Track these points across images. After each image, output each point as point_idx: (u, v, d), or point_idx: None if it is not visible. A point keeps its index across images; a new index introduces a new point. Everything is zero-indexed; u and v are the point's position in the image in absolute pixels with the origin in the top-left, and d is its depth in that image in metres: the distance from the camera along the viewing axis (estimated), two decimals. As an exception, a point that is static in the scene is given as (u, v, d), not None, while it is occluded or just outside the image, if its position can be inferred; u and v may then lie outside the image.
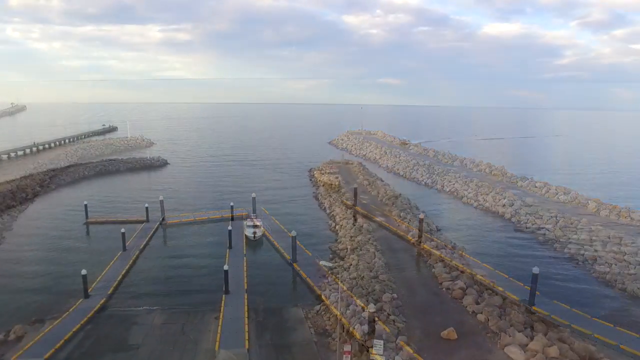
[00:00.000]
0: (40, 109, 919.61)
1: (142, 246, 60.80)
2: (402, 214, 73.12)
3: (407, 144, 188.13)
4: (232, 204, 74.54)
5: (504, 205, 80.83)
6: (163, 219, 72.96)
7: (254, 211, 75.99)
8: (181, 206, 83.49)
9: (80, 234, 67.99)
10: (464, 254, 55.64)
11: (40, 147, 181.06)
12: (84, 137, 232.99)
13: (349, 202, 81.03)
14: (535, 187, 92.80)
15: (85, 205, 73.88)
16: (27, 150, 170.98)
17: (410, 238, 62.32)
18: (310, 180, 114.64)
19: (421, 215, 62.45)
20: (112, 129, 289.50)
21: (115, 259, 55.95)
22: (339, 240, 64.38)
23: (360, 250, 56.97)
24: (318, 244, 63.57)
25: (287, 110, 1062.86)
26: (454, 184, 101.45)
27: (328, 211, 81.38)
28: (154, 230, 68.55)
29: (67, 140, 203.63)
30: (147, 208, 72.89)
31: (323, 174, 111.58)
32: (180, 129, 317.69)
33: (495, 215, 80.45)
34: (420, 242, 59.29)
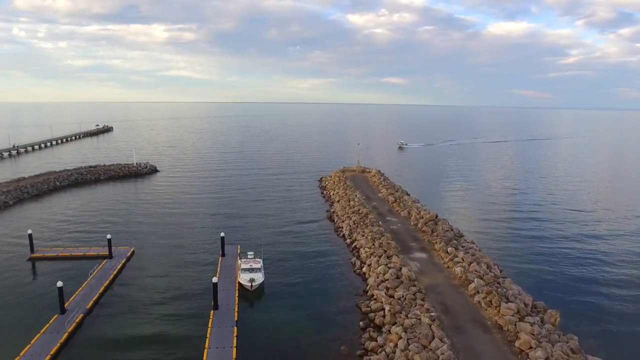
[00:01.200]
0: (39, 108, 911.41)
1: (89, 305, 42.56)
2: (448, 248, 54.64)
3: (403, 147, 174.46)
4: (222, 234, 56.24)
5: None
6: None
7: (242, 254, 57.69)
8: (155, 237, 65.10)
9: (15, 278, 49.97)
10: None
11: (22, 150, 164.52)
12: (75, 138, 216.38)
13: (375, 229, 62.61)
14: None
15: (30, 236, 55.96)
16: (5, 154, 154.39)
17: (472, 290, 43.87)
18: (322, 193, 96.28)
19: (487, 259, 43.76)
20: (108, 129, 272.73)
21: (41, 331, 37.57)
22: (368, 292, 46.12)
23: (406, 316, 38.67)
24: (339, 297, 45.37)
25: (292, 109, 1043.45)
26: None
27: (348, 240, 63.05)
28: (115, 271, 50.44)
29: (53, 143, 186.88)
30: (109, 240, 54.86)
31: (337, 188, 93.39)
32: (181, 129, 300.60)
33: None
34: (490, 301, 40.74)
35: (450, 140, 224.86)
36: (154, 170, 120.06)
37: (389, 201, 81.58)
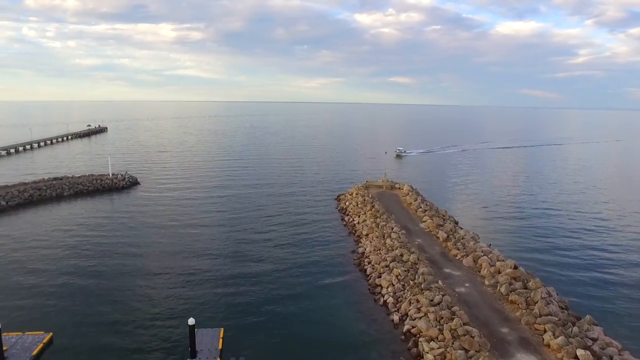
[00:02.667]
0: (41, 106, 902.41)
1: None
2: (577, 350, 31.86)
3: (402, 155, 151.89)
4: (192, 320, 33.26)
5: None
6: None
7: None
8: (83, 315, 43.04)
9: None
10: None
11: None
12: (62, 140, 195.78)
13: (437, 298, 39.97)
14: None
15: None
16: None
17: None
18: (343, 219, 73.77)
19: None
20: (101, 130, 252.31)
21: None
22: None
23: None
24: None
25: (299, 109, 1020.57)
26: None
27: (395, 315, 40.38)
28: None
29: (29, 147, 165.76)
30: None
31: (362, 212, 70.85)
32: (181, 130, 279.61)
33: None
34: None
35: (454, 145, 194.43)
36: (133, 183, 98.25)
37: (438, 238, 58.85)
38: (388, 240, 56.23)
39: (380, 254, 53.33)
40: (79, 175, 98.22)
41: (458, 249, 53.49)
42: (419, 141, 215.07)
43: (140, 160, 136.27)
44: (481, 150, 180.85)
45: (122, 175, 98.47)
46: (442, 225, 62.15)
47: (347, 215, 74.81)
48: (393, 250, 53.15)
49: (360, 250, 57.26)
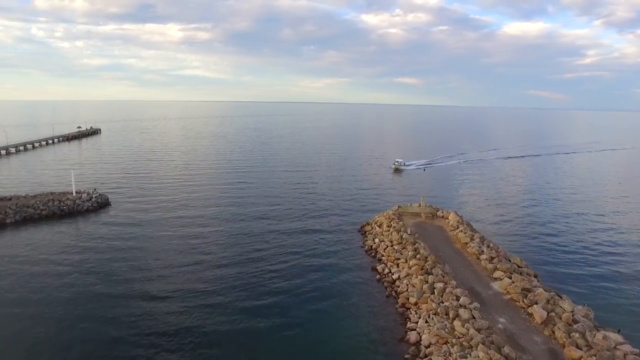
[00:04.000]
0: (44, 105, 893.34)
1: None
2: None
3: (401, 168, 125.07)
4: None
5: None
6: None
7: None
8: None
9: None
10: None
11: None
12: (45, 144, 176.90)
13: None
14: None
15: None
16: None
17: None
18: (373, 268, 52.90)
19: None
20: (93, 132, 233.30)
21: None
22: None
23: None
24: None
25: (305, 109, 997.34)
26: None
27: None
28: None
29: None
30: None
31: (401, 257, 50.05)
32: (180, 132, 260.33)
33: None
34: None
35: (459, 154, 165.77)
36: (101, 205, 78.12)
37: (531, 316, 37.94)
38: (457, 325, 35.49)
39: (451, 354, 32.55)
40: (33, 194, 78.22)
41: (578, 346, 32.60)
42: (424, 147, 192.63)
43: (123, 170, 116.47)
44: (492, 161, 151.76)
45: (88, 194, 78.32)
46: (528, 291, 41.24)
47: (381, 261, 54.02)
48: (471, 347, 32.41)
49: (413, 338, 36.42)
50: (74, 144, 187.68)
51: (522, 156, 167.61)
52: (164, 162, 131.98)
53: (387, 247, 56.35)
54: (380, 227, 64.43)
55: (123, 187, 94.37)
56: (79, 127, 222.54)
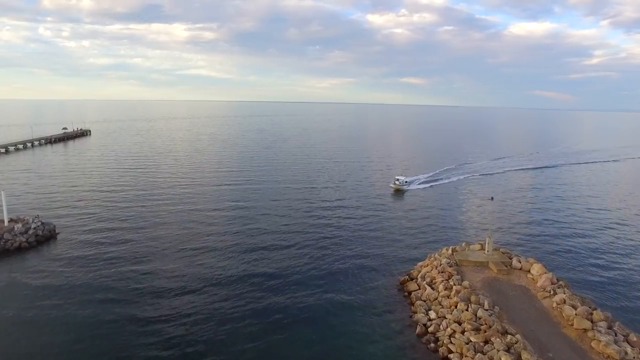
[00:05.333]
0: (47, 105, 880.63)
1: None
2: None
3: (402, 188, 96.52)
4: None
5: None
6: None
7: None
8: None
9: None
10: None
11: None
12: (22, 148, 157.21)
13: None
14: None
15: None
16: None
17: None
18: (427, 347, 32.02)
19: None
20: (81, 134, 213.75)
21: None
22: None
23: None
24: None
25: (311, 109, 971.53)
26: None
27: None
28: None
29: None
30: None
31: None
32: (176, 135, 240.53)
33: None
34: None
35: (469, 165, 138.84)
36: (44, 238, 57.72)
37: None
38: None
39: None
40: (-50, 223, 57.96)
41: None
42: (430, 155, 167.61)
43: (91, 185, 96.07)
44: (502, 176, 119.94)
45: (25, 224, 57.79)
46: None
47: (446, 354, 32.99)
48: None
49: None
50: (59, 147, 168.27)
51: (553, 166, 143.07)
52: (148, 173, 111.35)
53: (455, 332, 35.27)
54: (432, 287, 43.29)
55: (83, 210, 73.77)
56: (65, 129, 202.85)
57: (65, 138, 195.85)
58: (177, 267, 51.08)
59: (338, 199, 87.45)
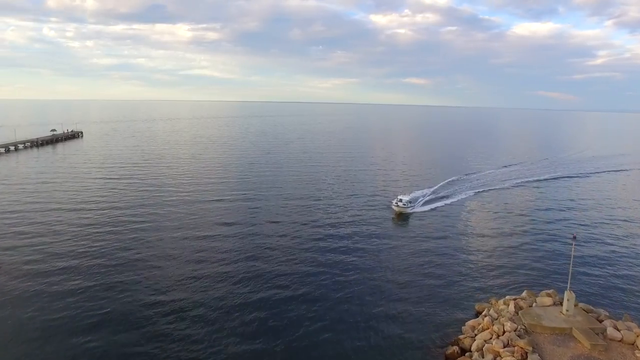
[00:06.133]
0: (45, 105, 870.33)
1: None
2: None
3: (405, 211, 76.52)
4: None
5: None
6: None
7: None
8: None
9: None
10: None
11: None
12: (5, 151, 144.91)
13: None
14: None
15: None
16: None
17: None
18: None
19: None
20: (72, 136, 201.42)
21: None
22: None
23: None
24: None
25: (314, 109, 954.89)
26: None
27: None
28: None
29: None
30: None
31: None
32: (173, 137, 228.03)
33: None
34: None
35: (475, 175, 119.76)
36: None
37: None
38: None
39: None
40: None
41: None
42: (428, 171, 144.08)
43: (61, 202, 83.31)
44: (524, 188, 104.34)
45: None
46: None
47: None
48: None
49: None
50: (45, 151, 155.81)
51: (576, 175, 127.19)
52: (134, 185, 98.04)
53: None
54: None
55: (34, 239, 60.56)
56: (53, 130, 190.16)
57: (54, 140, 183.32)
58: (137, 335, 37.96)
59: (346, 222, 74.25)
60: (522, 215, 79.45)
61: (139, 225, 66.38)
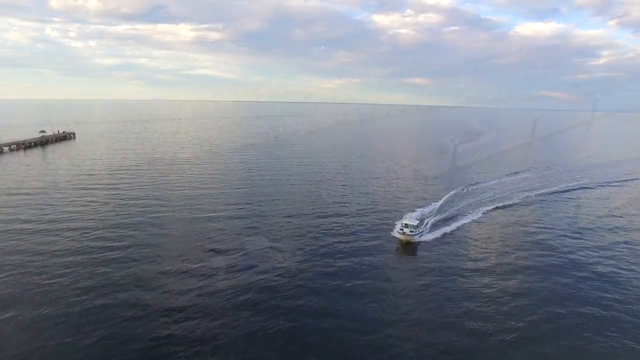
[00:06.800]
0: (45, 105, 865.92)
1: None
2: None
3: (412, 240, 61.69)
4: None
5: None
6: None
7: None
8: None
9: None
10: None
11: None
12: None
13: None
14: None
15: None
16: None
17: None
18: None
19: None
20: (63, 138, 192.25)
21: None
22: None
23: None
24: None
25: (317, 109, 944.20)
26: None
27: None
28: None
29: None
30: None
31: None
32: (170, 140, 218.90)
33: None
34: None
35: (480, 185, 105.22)
36: None
37: None
38: None
39: None
40: None
41: None
42: (432, 173, 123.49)
43: (26, 220, 74.00)
44: (540, 202, 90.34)
45: None
46: None
47: None
48: None
49: None
50: (33, 153, 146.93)
51: (600, 185, 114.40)
52: (117, 196, 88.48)
53: None
54: None
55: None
56: (43, 132, 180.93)
57: (43, 142, 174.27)
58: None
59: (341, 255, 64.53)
60: (544, 242, 69.44)
61: (119, 253, 56.78)
